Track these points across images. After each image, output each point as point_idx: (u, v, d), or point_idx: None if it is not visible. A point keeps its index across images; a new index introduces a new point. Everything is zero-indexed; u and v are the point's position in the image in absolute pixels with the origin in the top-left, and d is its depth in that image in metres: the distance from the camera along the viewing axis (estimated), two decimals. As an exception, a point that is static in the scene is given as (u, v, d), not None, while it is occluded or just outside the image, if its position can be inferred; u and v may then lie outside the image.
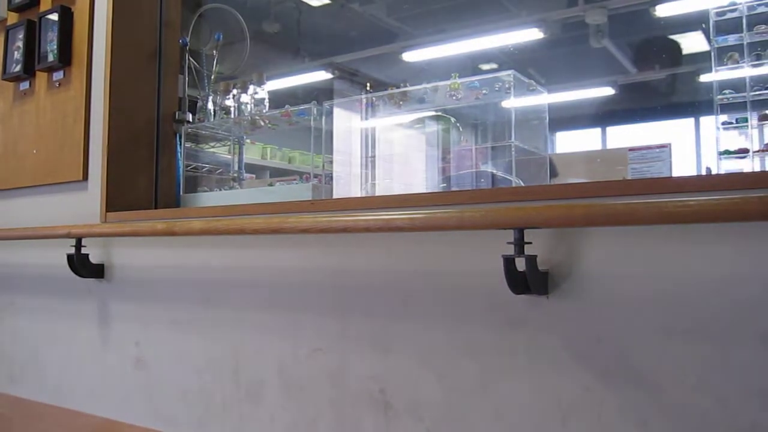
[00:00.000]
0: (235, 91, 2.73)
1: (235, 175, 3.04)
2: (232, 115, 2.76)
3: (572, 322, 1.57)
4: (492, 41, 6.44)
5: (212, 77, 2.89)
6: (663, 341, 1.46)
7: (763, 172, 2.07)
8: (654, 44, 6.40)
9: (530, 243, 1.51)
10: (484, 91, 2.26)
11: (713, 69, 2.32)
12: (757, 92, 2.27)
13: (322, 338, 1.97)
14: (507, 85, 2.18)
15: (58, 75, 2.80)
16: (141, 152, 2.71)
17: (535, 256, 1.52)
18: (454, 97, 2.31)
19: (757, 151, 2.27)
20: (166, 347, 2.37)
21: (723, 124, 2.33)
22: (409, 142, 2.92)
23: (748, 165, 2.29)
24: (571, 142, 8.88)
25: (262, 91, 2.70)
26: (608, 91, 7.65)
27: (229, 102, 2.78)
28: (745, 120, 2.29)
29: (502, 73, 2.20)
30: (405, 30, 7.04)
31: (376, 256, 1.88)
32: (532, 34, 6.25)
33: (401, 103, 2.42)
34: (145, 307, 2.46)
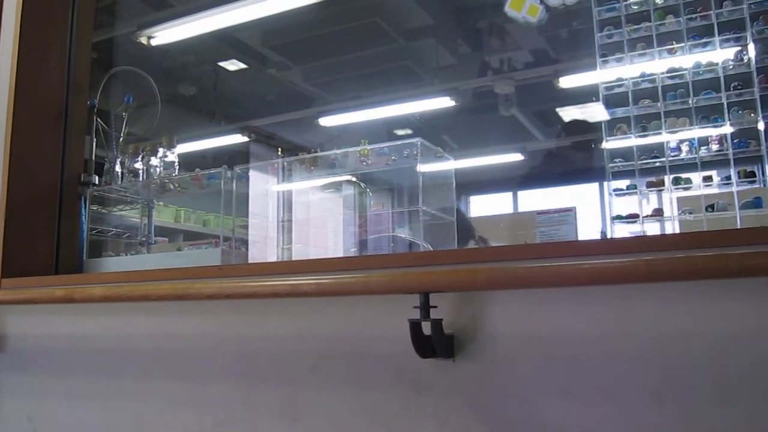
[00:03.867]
0: (144, 154, 2.68)
1: (143, 239, 2.96)
2: (141, 178, 2.70)
3: (478, 385, 1.59)
4: (405, 108, 6.62)
5: (121, 139, 2.84)
6: (565, 401, 1.49)
7: (651, 236, 2.19)
8: (558, 113, 6.75)
9: (435, 307, 1.53)
10: (393, 157, 2.31)
11: (604, 139, 2.48)
12: (644, 161, 2.44)
13: (229, 408, 1.91)
14: (415, 152, 2.24)
15: (-46, 134, 2.68)
16: (42, 216, 2.60)
17: (441, 319, 1.54)
18: (364, 163, 2.36)
19: (647, 216, 2.41)
20: (63, 422, 2.24)
21: (615, 190, 2.46)
22: (324, 207, 2.93)
23: (640, 229, 2.43)
24: (485, 205, 9.13)
25: (172, 155, 2.67)
26: (518, 156, 7.96)
27: (138, 165, 2.73)
28: (635, 187, 2.45)
29: (410, 140, 2.27)
30: (321, 95, 7.17)
31: (284, 323, 1.86)
32: (444, 102, 6.47)
33: (312, 168, 2.45)
34: (41, 379, 2.32)
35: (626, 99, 2.43)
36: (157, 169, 2.69)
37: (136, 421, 2.08)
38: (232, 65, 6.60)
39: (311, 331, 1.80)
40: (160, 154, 2.70)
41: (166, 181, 2.65)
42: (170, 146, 2.68)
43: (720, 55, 2.37)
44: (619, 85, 2.43)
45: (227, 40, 6.15)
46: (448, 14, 6.32)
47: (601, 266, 1.40)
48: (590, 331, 1.49)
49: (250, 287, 1.75)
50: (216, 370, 1.96)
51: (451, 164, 2.45)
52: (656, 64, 2.42)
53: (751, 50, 2.33)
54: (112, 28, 5.00)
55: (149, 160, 2.70)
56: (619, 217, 2.43)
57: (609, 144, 2.46)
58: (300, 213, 2.76)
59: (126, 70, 3.02)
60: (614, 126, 2.45)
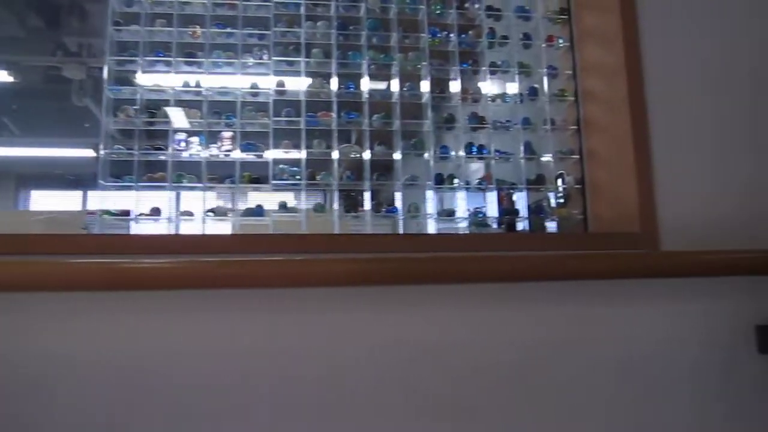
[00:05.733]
0: None
1: None
2: None
3: None
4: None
5: None
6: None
7: (138, 236, 2.02)
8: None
9: None
10: None
11: (102, 119, 2.21)
12: (145, 152, 2.25)
13: None
14: None
15: None
16: None
17: None
18: None
19: (141, 215, 2.22)
20: None
21: (109, 181, 2.22)
22: None
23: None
24: (49, 202, 8.18)
25: None
26: (92, 153, 7.31)
27: None
28: (133, 180, 2.23)
29: None
30: None
31: None
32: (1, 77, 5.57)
33: None
34: None
35: (134, 78, 2.22)
36: None
37: None
38: None
39: None
40: None
41: None
42: None
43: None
44: (132, 62, 2.21)
45: None
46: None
47: (51, 267, 1.14)
48: (63, 345, 1.22)
49: None
50: None
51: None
52: (174, 46, 2.24)
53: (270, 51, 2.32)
54: None
55: None
56: (108, 213, 2.17)
57: (111, 127, 2.20)
58: None
59: None
60: (119, 107, 2.21)
